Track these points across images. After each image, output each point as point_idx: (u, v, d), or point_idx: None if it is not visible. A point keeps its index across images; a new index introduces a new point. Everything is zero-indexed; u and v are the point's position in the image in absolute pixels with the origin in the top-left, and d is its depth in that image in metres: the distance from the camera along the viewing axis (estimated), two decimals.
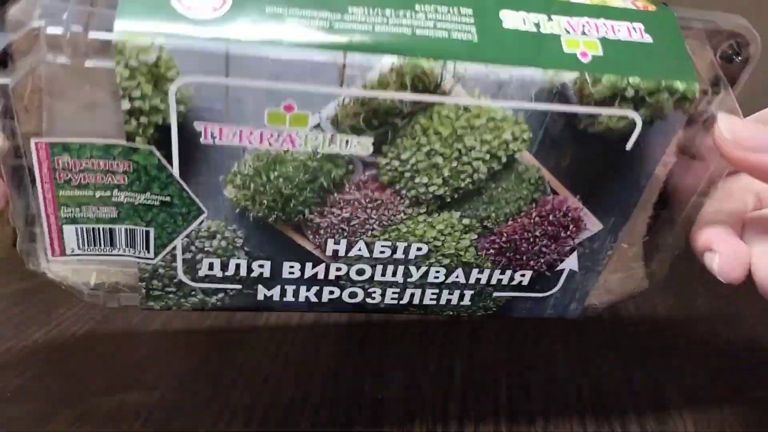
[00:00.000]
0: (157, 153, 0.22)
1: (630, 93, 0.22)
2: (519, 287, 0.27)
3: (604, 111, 0.23)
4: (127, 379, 0.33)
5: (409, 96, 0.22)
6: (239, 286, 0.26)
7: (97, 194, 0.23)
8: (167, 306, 0.27)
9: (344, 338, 0.37)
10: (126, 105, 0.21)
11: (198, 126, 0.22)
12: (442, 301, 0.28)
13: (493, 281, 0.27)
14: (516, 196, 0.25)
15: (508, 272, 0.27)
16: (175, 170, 0.23)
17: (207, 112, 0.22)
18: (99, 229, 0.24)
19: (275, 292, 0.27)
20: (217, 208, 0.24)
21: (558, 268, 0.27)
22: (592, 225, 0.26)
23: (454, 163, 0.23)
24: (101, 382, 0.32)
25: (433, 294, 0.27)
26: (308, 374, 0.33)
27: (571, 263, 0.27)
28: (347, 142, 0.23)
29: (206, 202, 0.24)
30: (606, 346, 0.36)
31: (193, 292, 0.26)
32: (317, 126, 0.22)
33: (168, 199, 0.23)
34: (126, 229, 0.24)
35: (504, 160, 0.24)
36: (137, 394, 0.32)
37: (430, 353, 0.36)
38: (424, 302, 0.28)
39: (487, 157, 0.23)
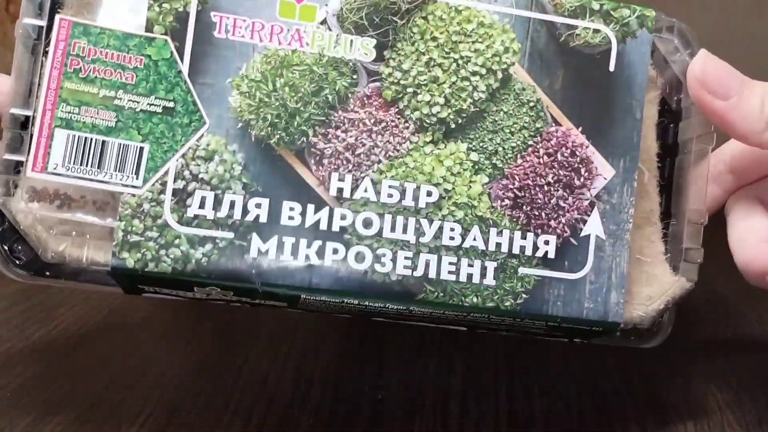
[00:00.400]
0: (171, 45, 0.24)
1: (596, 6, 0.26)
2: (546, 261, 0.26)
3: (579, 23, 0.26)
4: (127, 379, 0.33)
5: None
6: (231, 235, 0.24)
7: (101, 93, 0.24)
8: (143, 262, 0.23)
9: (344, 338, 0.37)
10: None
11: (214, 16, 0.24)
12: (462, 277, 0.25)
13: (516, 249, 0.26)
14: (519, 125, 0.26)
15: (530, 236, 0.26)
16: (185, 67, 0.24)
17: (225, 2, 0.24)
18: (91, 140, 0.24)
19: (271, 246, 0.24)
20: (219, 120, 0.24)
21: (582, 233, 0.26)
22: (604, 170, 0.26)
23: (453, 78, 0.25)
24: (101, 382, 0.32)
25: (450, 264, 0.25)
26: (308, 374, 0.33)
27: (594, 226, 0.26)
28: (351, 42, 0.25)
29: (210, 109, 0.24)
30: (606, 346, 0.36)
31: (177, 241, 0.23)
32: (324, 22, 0.24)
33: (171, 104, 0.24)
34: (119, 144, 0.24)
35: (500, 75, 0.26)
36: (137, 394, 0.32)
37: (430, 353, 0.36)
38: (441, 276, 0.25)
39: (483, 71, 0.25)
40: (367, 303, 0.25)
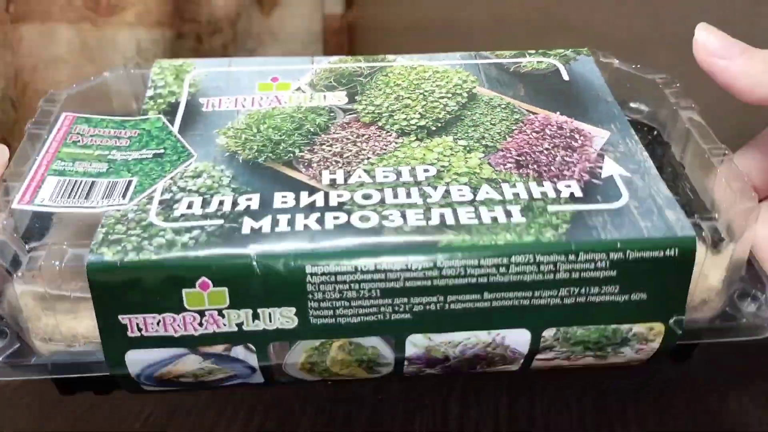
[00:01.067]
0: (164, 119, 0.27)
1: (532, 51, 0.30)
2: (574, 198, 0.23)
3: (522, 59, 0.30)
4: None
5: (364, 64, 0.30)
6: (221, 221, 0.22)
7: (96, 152, 0.25)
8: (122, 254, 0.21)
9: None
10: (150, 92, 0.28)
11: (202, 100, 0.28)
12: (486, 220, 0.22)
13: (537, 195, 0.23)
14: (497, 119, 0.27)
15: (547, 184, 0.23)
16: (176, 128, 0.27)
17: (211, 90, 0.28)
18: (81, 182, 0.24)
19: (265, 223, 0.22)
20: (207, 152, 0.25)
21: (603, 175, 0.24)
22: (598, 133, 0.26)
23: (423, 103, 0.28)
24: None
25: (468, 213, 0.22)
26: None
27: (613, 168, 0.24)
28: (324, 96, 0.28)
29: (198, 148, 0.25)
30: None
31: (161, 233, 0.21)
32: (298, 89, 0.29)
33: (161, 150, 0.25)
34: (108, 182, 0.24)
35: (466, 95, 0.28)
36: (136, 394, 0.32)
37: None
38: (462, 222, 0.22)
39: (450, 95, 0.28)
40: (384, 277, 0.21)
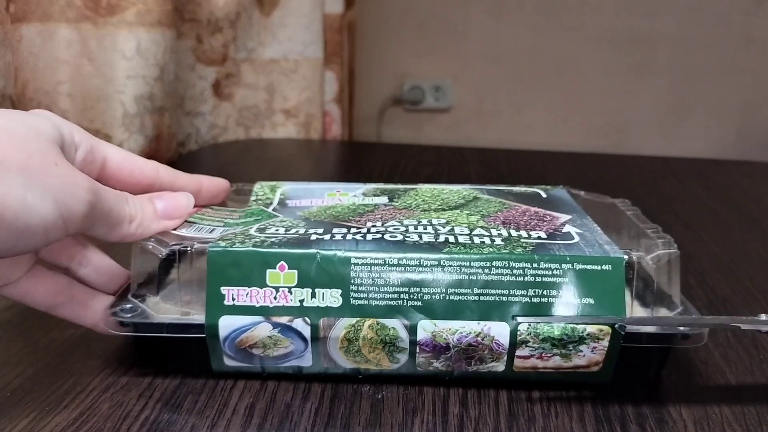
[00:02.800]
0: (262, 207, 0.40)
1: (520, 185, 0.44)
2: (540, 238, 0.34)
3: (515, 188, 0.43)
4: (125, 379, 0.33)
5: (401, 186, 0.43)
6: (296, 236, 0.33)
7: (215, 218, 0.37)
8: (230, 243, 0.32)
9: None
10: (252, 198, 0.41)
11: (288, 201, 0.40)
12: (477, 241, 0.33)
13: (514, 235, 0.34)
14: (492, 208, 0.39)
15: (523, 231, 0.35)
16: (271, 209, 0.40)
17: (294, 195, 0.41)
18: (205, 227, 0.35)
19: (326, 236, 0.33)
20: (290, 216, 0.38)
21: (563, 230, 0.35)
22: (563, 216, 0.38)
23: (440, 203, 0.40)
24: (99, 383, 0.32)
25: (465, 236, 0.34)
26: (308, 374, 0.33)
27: (571, 228, 0.35)
28: (372, 199, 0.40)
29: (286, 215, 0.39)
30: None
31: (257, 237, 0.33)
32: (354, 195, 0.41)
33: (260, 217, 0.37)
34: (224, 228, 0.35)
35: (471, 197, 0.41)
36: (137, 393, 0.32)
37: None
38: (460, 240, 0.33)
39: (459, 197, 0.40)
40: (406, 268, 0.31)
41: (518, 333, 0.31)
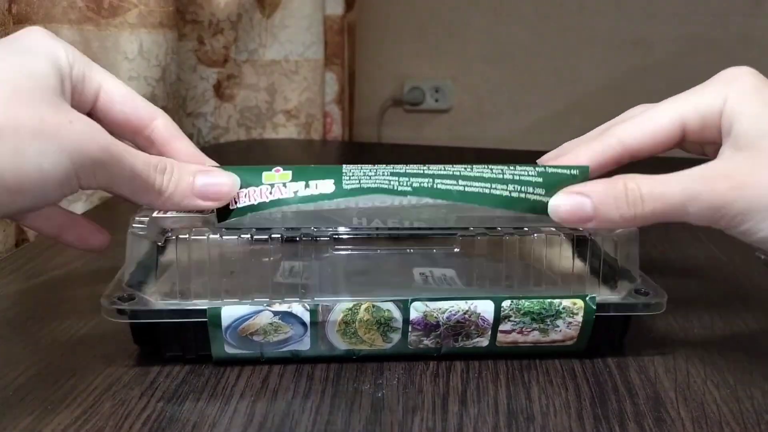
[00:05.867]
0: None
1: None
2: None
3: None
4: (127, 378, 0.33)
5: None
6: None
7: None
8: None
9: None
10: None
11: None
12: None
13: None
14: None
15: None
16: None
17: None
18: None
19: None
20: None
21: None
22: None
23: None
24: (101, 382, 0.33)
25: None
26: (310, 372, 0.33)
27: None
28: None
29: None
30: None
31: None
32: None
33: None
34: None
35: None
36: (138, 393, 0.32)
37: None
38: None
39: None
40: (395, 169, 0.33)
41: (501, 309, 0.33)
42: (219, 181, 0.33)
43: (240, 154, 0.82)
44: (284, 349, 0.33)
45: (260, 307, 0.32)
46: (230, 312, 0.32)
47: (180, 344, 0.33)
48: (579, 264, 0.34)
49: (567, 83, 1.38)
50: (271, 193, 0.32)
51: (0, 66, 0.28)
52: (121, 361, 0.34)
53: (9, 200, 0.27)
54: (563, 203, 0.32)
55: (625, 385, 0.33)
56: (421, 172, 0.33)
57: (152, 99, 0.68)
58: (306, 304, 0.32)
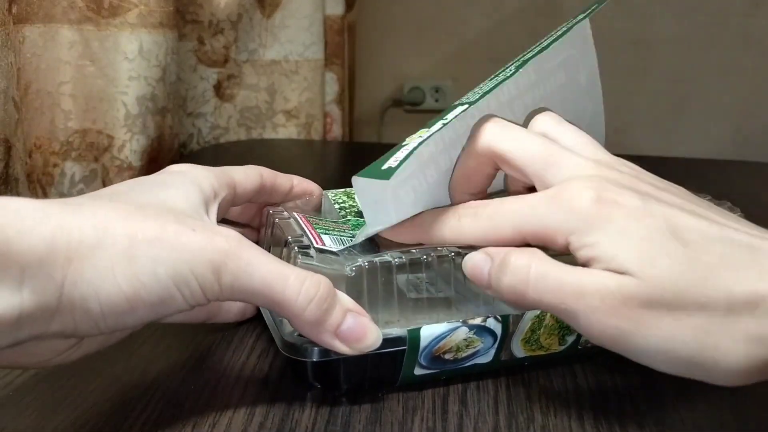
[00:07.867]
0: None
1: None
2: None
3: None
4: (128, 377, 0.33)
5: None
6: None
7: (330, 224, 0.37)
8: None
9: None
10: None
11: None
12: None
13: None
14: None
15: None
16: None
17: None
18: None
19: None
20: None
21: None
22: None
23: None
24: (102, 382, 0.33)
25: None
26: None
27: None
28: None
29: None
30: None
31: None
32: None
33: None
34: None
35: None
36: (138, 392, 0.32)
37: None
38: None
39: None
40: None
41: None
42: (364, 330, 0.29)
43: (240, 154, 0.82)
44: (468, 364, 0.33)
45: (457, 324, 0.31)
46: (429, 332, 0.31)
47: (363, 374, 0.32)
48: None
49: None
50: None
51: (142, 196, 0.29)
52: (121, 361, 0.34)
53: (128, 308, 0.26)
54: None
55: (625, 385, 0.33)
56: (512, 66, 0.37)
57: (152, 99, 0.68)
58: (498, 317, 0.32)
